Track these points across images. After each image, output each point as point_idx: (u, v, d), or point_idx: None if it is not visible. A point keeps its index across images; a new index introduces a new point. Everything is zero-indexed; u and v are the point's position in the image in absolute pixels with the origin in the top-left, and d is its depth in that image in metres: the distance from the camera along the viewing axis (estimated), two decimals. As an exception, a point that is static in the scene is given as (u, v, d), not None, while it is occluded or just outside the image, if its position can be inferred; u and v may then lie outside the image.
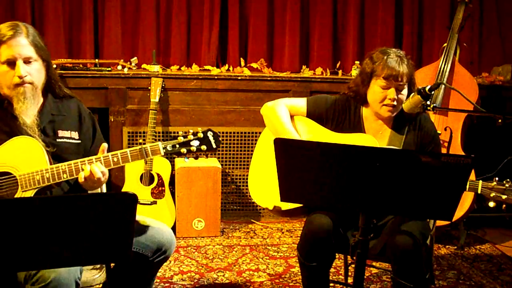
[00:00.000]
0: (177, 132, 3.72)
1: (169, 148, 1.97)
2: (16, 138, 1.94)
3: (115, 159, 1.93)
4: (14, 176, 1.91)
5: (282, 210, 2.35)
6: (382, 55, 2.28)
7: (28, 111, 1.97)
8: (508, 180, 2.03)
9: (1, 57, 1.93)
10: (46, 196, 1.91)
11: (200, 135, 1.99)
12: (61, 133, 2.05)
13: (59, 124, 2.07)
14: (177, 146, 1.97)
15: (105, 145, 1.98)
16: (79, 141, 2.10)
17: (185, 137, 1.98)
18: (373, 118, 2.37)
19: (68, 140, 2.06)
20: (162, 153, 1.96)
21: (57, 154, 1.99)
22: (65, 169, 1.91)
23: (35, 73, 1.97)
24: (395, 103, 2.26)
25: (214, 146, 2.00)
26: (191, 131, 2.01)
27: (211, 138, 1.99)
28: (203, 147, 1.98)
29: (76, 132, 2.10)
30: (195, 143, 1.98)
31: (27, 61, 1.95)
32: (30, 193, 1.90)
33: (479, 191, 2.06)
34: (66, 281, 1.72)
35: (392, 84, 2.25)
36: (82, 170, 1.90)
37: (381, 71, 2.25)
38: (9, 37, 1.92)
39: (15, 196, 1.89)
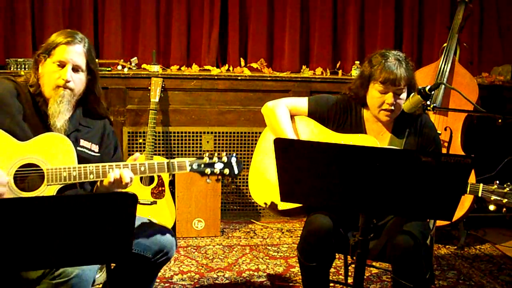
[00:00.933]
0: (178, 132, 3.73)
1: (194, 166, 2.06)
2: (49, 134, 1.99)
3: (142, 169, 2.02)
4: (41, 169, 1.94)
5: (282, 209, 2.35)
6: (381, 58, 2.26)
7: (60, 114, 2.01)
8: (508, 183, 2.03)
9: (54, 56, 2.00)
10: (46, 196, 1.91)
11: (224, 159, 2.09)
12: (82, 142, 2.09)
13: (83, 134, 2.11)
14: (203, 166, 2.07)
15: (137, 155, 2.06)
16: (97, 154, 2.13)
17: (210, 158, 2.07)
18: (373, 119, 2.37)
19: (87, 151, 2.10)
20: (188, 170, 2.05)
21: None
22: (93, 170, 1.97)
23: (78, 82, 2.03)
24: (393, 107, 2.25)
25: (236, 172, 2.11)
26: (216, 153, 2.11)
27: (234, 163, 2.10)
28: (226, 171, 2.09)
29: (97, 146, 2.14)
30: (219, 165, 2.08)
31: (75, 68, 2.02)
32: (54, 188, 1.94)
33: (479, 195, 2.06)
34: (87, 277, 1.75)
35: (390, 88, 2.23)
36: (112, 172, 1.96)
37: (378, 75, 2.23)
38: (68, 41, 2.00)
39: (38, 189, 1.93)
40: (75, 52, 2.01)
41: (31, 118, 2.01)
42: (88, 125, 2.14)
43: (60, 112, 2.00)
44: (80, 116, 2.12)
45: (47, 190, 1.93)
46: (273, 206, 2.38)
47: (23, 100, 2.02)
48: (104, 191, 2.02)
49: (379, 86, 2.24)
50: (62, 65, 2.00)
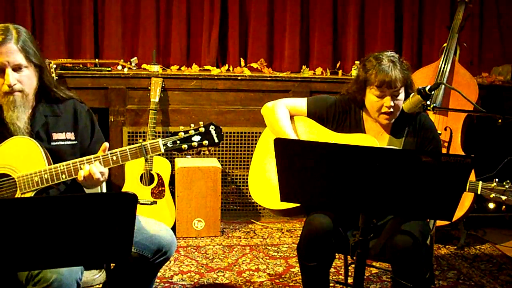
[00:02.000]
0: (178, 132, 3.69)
1: (169, 144, 1.91)
2: (12, 139, 1.90)
3: (114, 158, 1.90)
4: (13, 178, 1.88)
5: (281, 209, 2.35)
6: (374, 61, 2.25)
7: (18, 119, 1.92)
8: (508, 181, 2.03)
9: None
10: (46, 196, 1.90)
11: (202, 129, 1.92)
12: (55, 135, 2.00)
13: (53, 126, 2.02)
14: (178, 142, 1.91)
15: (106, 145, 1.93)
16: (75, 142, 2.05)
17: (186, 132, 1.92)
18: (372, 119, 2.37)
19: (63, 143, 2.01)
20: (163, 150, 1.91)
21: (53, 157, 1.95)
22: (64, 169, 1.88)
23: (26, 80, 1.91)
24: (392, 110, 2.25)
25: (216, 140, 1.93)
26: (193, 125, 1.95)
27: (213, 132, 1.93)
28: (205, 142, 1.92)
29: (72, 133, 2.05)
30: (197, 138, 1.92)
31: (16, 68, 1.88)
32: (29, 195, 1.87)
33: (479, 192, 2.06)
34: (67, 281, 1.72)
35: (387, 92, 2.23)
36: (82, 169, 1.88)
37: (374, 80, 2.22)
38: None
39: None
40: (9, 52, 1.85)
41: None
42: (55, 114, 2.03)
43: (17, 117, 1.91)
44: (44, 108, 2.01)
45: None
46: (275, 208, 2.38)
47: None
48: (83, 185, 1.93)
49: (375, 90, 2.24)
50: (1, 70, 1.86)
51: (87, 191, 1.99)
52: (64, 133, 2.02)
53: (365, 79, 2.27)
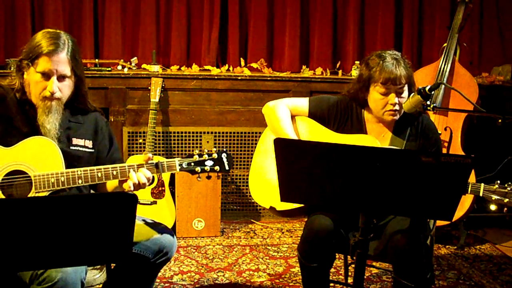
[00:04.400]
0: (178, 132, 3.72)
1: (184, 165, 2.04)
2: (33, 138, 1.94)
3: (132, 171, 1.98)
4: (29, 176, 1.91)
5: (282, 210, 2.35)
6: (378, 59, 2.25)
7: (49, 123, 1.98)
8: (510, 183, 2.03)
9: (38, 66, 1.93)
10: (46, 196, 1.90)
11: (215, 156, 2.06)
12: (75, 140, 2.07)
13: (74, 132, 2.08)
14: (192, 164, 2.04)
15: (149, 156, 2.02)
16: (92, 150, 2.11)
17: (200, 156, 2.05)
18: (374, 120, 2.37)
19: (81, 149, 2.08)
20: (178, 170, 2.03)
21: (68, 161, 1.99)
22: (81, 175, 1.93)
23: (65, 89, 1.99)
24: (397, 107, 2.25)
25: (227, 168, 2.08)
26: (206, 150, 2.07)
27: (224, 160, 2.07)
28: (217, 168, 2.06)
29: (90, 141, 2.11)
30: (209, 163, 2.06)
31: (61, 77, 1.96)
32: (43, 195, 1.89)
33: (481, 194, 2.06)
34: (72, 280, 1.73)
35: (392, 89, 2.23)
36: (100, 178, 1.94)
37: (378, 77, 2.23)
38: (50, 51, 1.91)
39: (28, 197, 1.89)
40: (59, 61, 1.93)
41: (19, 123, 1.98)
42: (78, 121, 2.11)
43: (49, 122, 1.97)
44: (69, 115, 2.09)
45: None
46: (275, 208, 2.38)
47: (10, 104, 1.98)
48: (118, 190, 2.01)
49: (380, 87, 2.24)
50: (46, 75, 1.94)
51: None
52: (83, 140, 2.09)
53: (369, 77, 2.26)
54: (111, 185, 2.12)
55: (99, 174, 1.94)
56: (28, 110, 2.00)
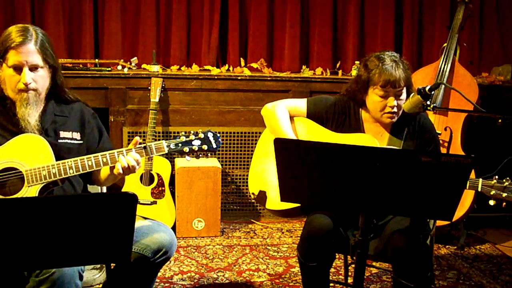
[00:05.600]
0: (178, 132, 3.75)
1: (172, 146, 2.05)
2: (22, 136, 1.97)
3: (121, 156, 1.99)
4: (20, 172, 1.93)
5: (282, 210, 2.35)
6: (377, 62, 2.25)
7: (29, 116, 2.00)
8: (508, 178, 2.04)
9: (8, 61, 1.95)
10: (46, 196, 1.91)
11: (201, 135, 2.08)
12: (62, 134, 2.08)
13: (61, 125, 2.10)
14: (180, 145, 2.06)
15: (137, 139, 2.03)
16: (80, 142, 2.12)
17: (187, 136, 2.07)
18: (372, 120, 2.37)
19: (69, 141, 2.09)
20: (166, 151, 2.04)
21: (58, 154, 2.01)
22: (72, 164, 1.95)
23: (40, 80, 2.00)
24: (395, 110, 2.25)
25: (214, 146, 2.08)
26: (192, 131, 2.09)
27: (211, 138, 2.08)
28: (204, 147, 2.07)
29: (78, 133, 2.12)
30: (196, 142, 2.07)
31: (33, 68, 1.97)
32: (35, 188, 1.93)
33: (479, 189, 2.07)
34: (69, 271, 1.75)
35: (390, 92, 2.23)
36: (90, 166, 1.95)
37: (377, 80, 2.22)
38: (18, 44, 1.93)
39: (20, 191, 1.92)
40: (28, 52, 1.95)
41: (4, 122, 2.00)
42: (64, 114, 2.12)
43: (29, 114, 1.99)
44: (54, 107, 2.10)
45: (29, 191, 1.92)
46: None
47: None
48: (107, 179, 2.04)
49: (379, 90, 2.24)
50: (18, 68, 1.95)
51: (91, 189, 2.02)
52: (70, 132, 2.11)
53: (368, 79, 2.26)
54: (104, 174, 2.14)
55: (90, 163, 1.96)
56: (10, 107, 2.02)
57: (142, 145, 2.02)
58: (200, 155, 2.09)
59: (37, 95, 2.01)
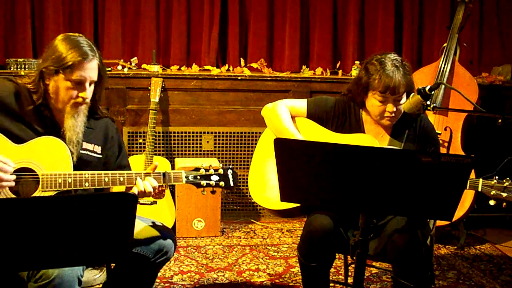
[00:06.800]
0: (178, 132, 3.72)
1: (191, 178, 2.08)
2: (44, 138, 1.96)
3: (138, 179, 2.01)
4: (37, 174, 1.92)
5: (282, 210, 2.35)
6: (378, 66, 2.22)
7: (77, 126, 2.01)
8: (508, 178, 2.04)
9: (71, 74, 1.93)
10: (46, 196, 1.91)
11: (221, 171, 2.11)
12: (85, 144, 2.07)
13: (85, 136, 2.08)
14: (199, 177, 2.09)
15: (156, 164, 2.06)
16: (100, 156, 2.12)
17: (206, 170, 2.09)
18: (372, 121, 2.36)
19: (90, 153, 2.09)
20: (184, 182, 2.07)
21: (76, 164, 2.00)
22: (88, 178, 1.95)
23: (91, 94, 2.02)
24: (394, 114, 2.25)
25: (231, 184, 2.12)
26: (212, 164, 2.12)
27: (230, 176, 2.11)
28: (222, 184, 2.10)
29: (100, 147, 2.13)
30: (215, 178, 2.10)
31: (91, 83, 2.00)
32: (49, 194, 1.91)
33: (479, 189, 2.07)
34: (69, 278, 1.74)
35: (390, 98, 2.22)
36: (106, 183, 1.96)
37: (377, 85, 2.21)
38: (83, 60, 1.93)
39: (33, 195, 1.91)
40: (93, 69, 1.97)
41: (32, 121, 1.99)
42: (90, 126, 2.12)
43: (77, 126, 2.00)
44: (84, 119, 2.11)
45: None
46: (275, 208, 2.39)
47: (23, 102, 1.99)
48: None
49: (378, 96, 2.23)
50: (79, 82, 1.95)
51: None
52: (93, 145, 2.11)
53: (368, 84, 2.25)
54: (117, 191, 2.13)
55: (106, 179, 1.96)
56: (43, 111, 2.01)
57: (161, 172, 2.04)
58: (215, 191, 2.13)
59: (86, 108, 2.03)
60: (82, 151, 2.05)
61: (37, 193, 1.91)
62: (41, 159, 1.93)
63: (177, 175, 2.05)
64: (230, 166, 2.14)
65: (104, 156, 2.14)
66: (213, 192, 2.11)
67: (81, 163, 2.03)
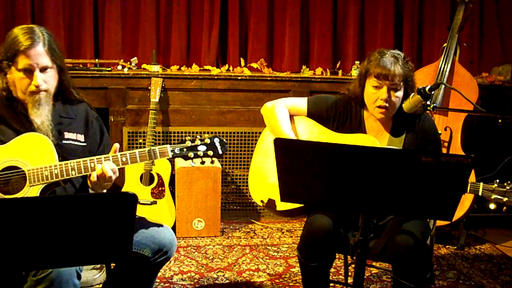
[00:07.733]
0: (178, 132, 3.71)
1: (177, 151, 2.01)
2: (26, 135, 1.97)
3: (124, 159, 1.98)
4: (23, 171, 1.93)
5: (281, 210, 2.35)
6: (378, 55, 2.29)
7: (43, 115, 2.01)
8: (509, 182, 2.03)
9: (18, 64, 1.94)
10: (46, 196, 1.91)
11: (207, 141, 2.04)
12: (67, 134, 2.08)
13: (66, 126, 2.09)
14: (185, 150, 2.02)
15: (116, 145, 2.01)
16: (84, 144, 2.12)
17: (192, 141, 2.03)
18: (373, 118, 2.37)
19: (73, 142, 2.09)
20: (170, 156, 2.01)
21: (62, 155, 2.01)
22: (74, 166, 1.95)
23: (50, 80, 2.01)
24: (387, 104, 2.25)
25: (220, 152, 2.04)
26: (198, 136, 2.06)
27: (217, 144, 2.05)
28: (210, 153, 2.03)
29: (82, 135, 2.13)
30: (202, 148, 2.03)
31: (43, 69, 1.97)
32: (37, 188, 1.93)
33: (480, 193, 2.06)
34: (67, 271, 1.75)
35: (384, 83, 2.24)
36: (92, 168, 1.94)
37: (373, 70, 2.25)
38: (27, 47, 1.93)
39: (22, 191, 1.92)
40: (37, 55, 1.95)
41: (11, 121, 2.01)
42: (69, 116, 2.12)
43: (41, 114, 2.00)
44: (60, 108, 2.11)
45: (31, 190, 1.92)
46: (270, 204, 2.38)
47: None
48: (94, 187, 2.00)
49: (373, 81, 2.25)
50: (28, 70, 1.95)
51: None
52: (75, 134, 2.11)
53: (366, 70, 2.30)
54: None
55: (92, 164, 1.95)
56: (16, 106, 2.02)
57: (146, 149, 1.99)
58: (204, 162, 2.06)
59: (48, 95, 2.02)
60: (65, 141, 2.06)
61: (25, 188, 1.92)
62: (25, 156, 1.94)
63: (162, 150, 2.00)
64: (216, 135, 2.07)
65: (89, 144, 2.14)
66: (202, 163, 2.04)
67: (66, 153, 2.03)
